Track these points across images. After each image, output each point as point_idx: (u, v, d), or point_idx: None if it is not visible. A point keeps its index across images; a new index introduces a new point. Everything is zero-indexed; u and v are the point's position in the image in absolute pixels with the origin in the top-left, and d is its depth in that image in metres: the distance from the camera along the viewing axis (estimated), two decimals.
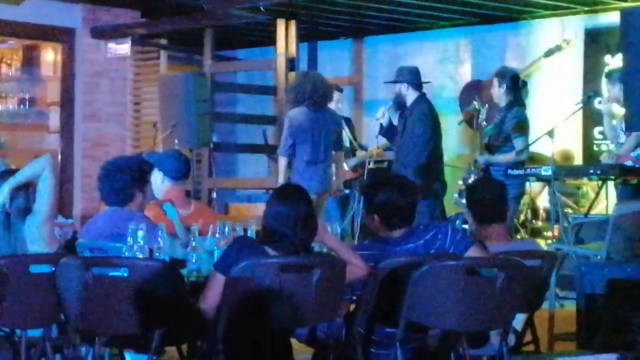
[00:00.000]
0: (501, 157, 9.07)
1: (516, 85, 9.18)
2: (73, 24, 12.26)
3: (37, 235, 5.27)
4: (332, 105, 9.36)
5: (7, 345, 4.89)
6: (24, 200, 5.36)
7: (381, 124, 9.06)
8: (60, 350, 5.02)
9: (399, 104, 8.83)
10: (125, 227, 4.90)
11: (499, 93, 9.13)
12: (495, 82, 9.18)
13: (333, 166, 9.09)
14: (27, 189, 5.39)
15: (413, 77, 8.89)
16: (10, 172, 5.63)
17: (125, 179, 5.53)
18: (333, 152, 9.01)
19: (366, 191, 5.28)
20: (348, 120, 10.37)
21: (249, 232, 5.28)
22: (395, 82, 8.88)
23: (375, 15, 11.38)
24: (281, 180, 8.71)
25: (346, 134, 10.07)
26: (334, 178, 9.08)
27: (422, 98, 8.84)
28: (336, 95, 9.87)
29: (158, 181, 6.20)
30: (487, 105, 10.02)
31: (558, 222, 8.65)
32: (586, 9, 10.70)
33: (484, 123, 9.88)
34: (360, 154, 10.31)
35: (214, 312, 4.59)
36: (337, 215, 10.13)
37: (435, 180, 8.67)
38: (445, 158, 11.22)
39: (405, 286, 4.67)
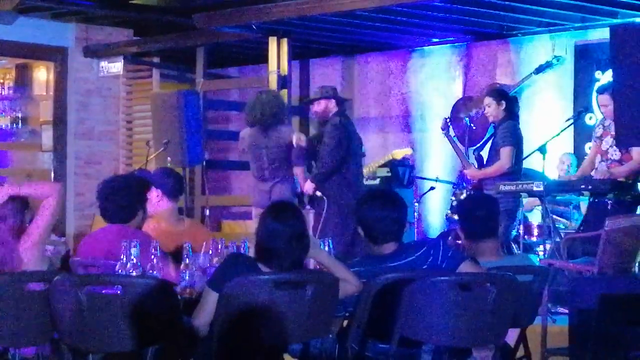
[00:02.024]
0: (488, 170, 9.17)
1: (512, 102, 9.31)
2: (65, 42, 12.28)
3: (26, 255, 5.30)
4: None
5: None
6: (19, 221, 5.40)
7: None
8: None
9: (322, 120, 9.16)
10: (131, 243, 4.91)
11: (497, 111, 9.20)
12: (492, 101, 9.23)
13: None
14: (24, 209, 5.43)
15: (337, 93, 9.24)
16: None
17: (131, 197, 5.59)
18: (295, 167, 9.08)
19: (356, 206, 5.29)
20: None
21: (242, 249, 5.29)
22: (321, 98, 9.14)
23: (366, 33, 11.43)
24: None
25: None
26: (286, 194, 9.03)
27: (341, 114, 9.12)
28: None
29: (154, 199, 6.22)
30: (471, 124, 10.13)
31: (550, 237, 8.68)
32: (576, 25, 10.75)
33: (463, 137, 10.02)
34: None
35: (207, 329, 4.60)
36: None
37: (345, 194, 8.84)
38: (438, 174, 11.33)
39: (398, 302, 4.68)
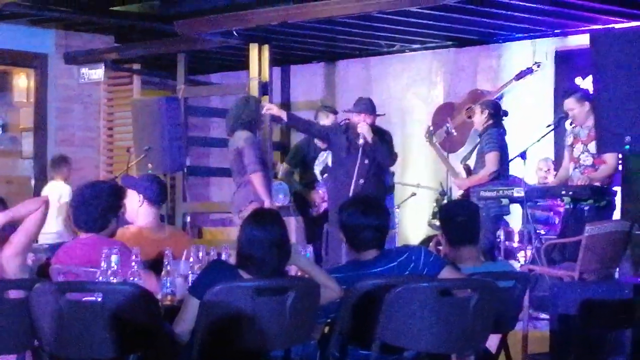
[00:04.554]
0: (475, 178, 9.23)
1: (498, 111, 9.40)
2: (46, 49, 12.25)
3: (8, 265, 5.28)
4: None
5: None
6: (1, 230, 5.39)
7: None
8: None
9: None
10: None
11: (480, 118, 9.32)
12: (478, 109, 9.38)
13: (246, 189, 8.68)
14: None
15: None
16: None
17: (102, 206, 5.52)
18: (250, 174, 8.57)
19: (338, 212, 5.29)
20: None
21: (223, 255, 5.28)
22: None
23: (347, 39, 11.44)
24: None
25: None
26: (237, 202, 8.70)
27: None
28: (331, 117, 9.97)
29: (135, 205, 6.18)
30: (452, 130, 10.17)
31: (531, 243, 8.70)
32: (556, 31, 10.79)
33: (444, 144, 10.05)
34: None
35: (189, 336, 4.59)
36: None
37: None
38: (419, 180, 11.33)
39: (379, 308, 4.68)
